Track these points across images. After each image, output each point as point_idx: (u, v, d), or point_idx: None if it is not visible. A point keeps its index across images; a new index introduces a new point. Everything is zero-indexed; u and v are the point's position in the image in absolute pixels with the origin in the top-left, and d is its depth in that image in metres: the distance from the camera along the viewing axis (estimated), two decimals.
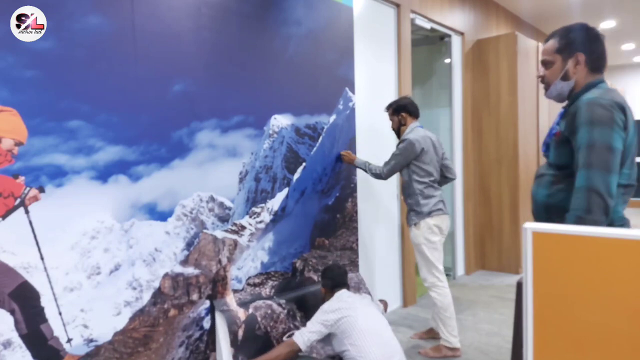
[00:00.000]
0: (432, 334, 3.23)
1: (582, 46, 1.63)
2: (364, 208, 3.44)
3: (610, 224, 1.54)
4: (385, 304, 3.07)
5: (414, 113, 3.06)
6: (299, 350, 2.18)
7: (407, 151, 2.91)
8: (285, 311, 2.54)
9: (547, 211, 1.68)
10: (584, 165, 1.47)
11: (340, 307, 2.23)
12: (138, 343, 2.00)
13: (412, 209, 2.97)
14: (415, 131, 2.97)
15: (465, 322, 3.55)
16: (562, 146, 1.61)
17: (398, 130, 3.10)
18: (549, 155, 1.71)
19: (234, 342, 2.25)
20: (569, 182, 1.57)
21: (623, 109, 1.52)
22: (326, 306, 2.28)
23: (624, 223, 1.60)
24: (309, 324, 2.26)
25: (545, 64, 1.72)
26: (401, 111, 3.05)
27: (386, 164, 2.96)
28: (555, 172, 1.66)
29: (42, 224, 1.72)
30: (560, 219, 1.55)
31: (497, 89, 4.90)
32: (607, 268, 1.23)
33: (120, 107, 1.95)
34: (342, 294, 2.35)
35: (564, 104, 1.77)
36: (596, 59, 1.64)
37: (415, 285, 4.09)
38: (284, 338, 2.42)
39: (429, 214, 2.92)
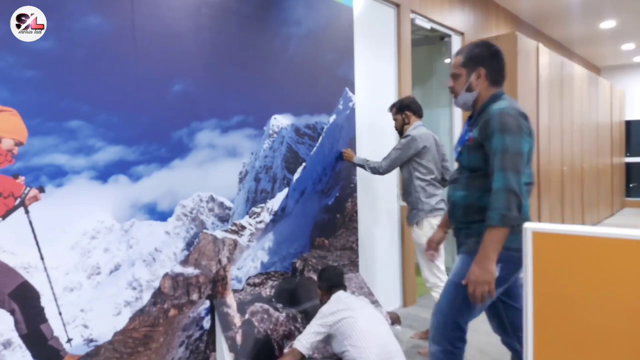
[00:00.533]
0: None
1: (483, 62, 1.83)
2: (364, 208, 3.44)
3: (524, 218, 1.68)
4: (396, 317, 2.98)
5: (417, 112, 3.06)
6: (302, 356, 2.17)
7: (408, 146, 2.91)
8: (284, 314, 2.54)
9: (465, 210, 1.84)
10: (500, 169, 1.64)
11: (339, 309, 2.21)
12: (138, 343, 2.00)
13: (413, 208, 2.95)
14: (418, 129, 2.97)
15: None
16: (475, 151, 1.78)
17: (401, 130, 3.10)
18: (461, 160, 1.87)
19: (233, 346, 2.24)
20: (482, 183, 1.76)
21: (525, 117, 1.74)
22: (325, 309, 2.26)
23: (527, 218, 1.76)
24: (308, 327, 2.25)
25: (453, 76, 1.90)
26: (405, 110, 3.05)
27: (385, 158, 2.96)
28: (469, 174, 1.82)
29: (42, 224, 1.72)
30: (477, 216, 1.74)
31: None
32: (607, 268, 1.23)
33: (120, 107, 1.95)
34: (339, 296, 2.34)
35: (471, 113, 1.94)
36: (496, 73, 1.84)
37: (415, 285, 4.09)
38: (285, 349, 2.40)
39: (431, 212, 2.90)
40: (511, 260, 1.73)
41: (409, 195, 2.98)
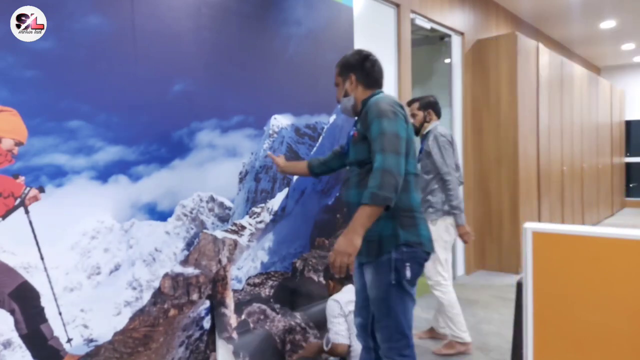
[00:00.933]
0: (432, 334, 3.22)
1: (353, 68, 1.93)
2: None
3: (410, 209, 1.80)
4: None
5: (439, 113, 3.06)
6: (347, 345, 2.31)
7: (448, 144, 2.89)
8: (280, 315, 2.54)
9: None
10: (379, 151, 1.69)
11: (351, 299, 2.28)
12: (138, 343, 2.00)
13: (430, 206, 2.92)
14: (441, 128, 2.97)
15: (465, 321, 3.54)
16: (360, 143, 1.83)
17: (420, 127, 3.05)
18: (350, 156, 1.92)
19: (230, 339, 2.26)
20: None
21: (401, 106, 1.81)
22: (339, 297, 2.37)
23: (420, 211, 1.86)
24: (330, 325, 2.36)
25: (336, 85, 2.01)
26: (429, 108, 3.02)
27: (445, 173, 2.83)
28: (359, 171, 1.85)
29: (42, 224, 1.72)
30: None
31: (497, 89, 4.90)
32: (607, 268, 1.23)
33: (120, 107, 1.95)
34: (350, 287, 2.41)
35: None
36: (366, 77, 1.93)
37: None
38: (287, 346, 2.46)
39: (448, 212, 2.87)
40: (415, 258, 1.79)
41: (429, 194, 2.92)
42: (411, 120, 3.07)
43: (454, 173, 2.89)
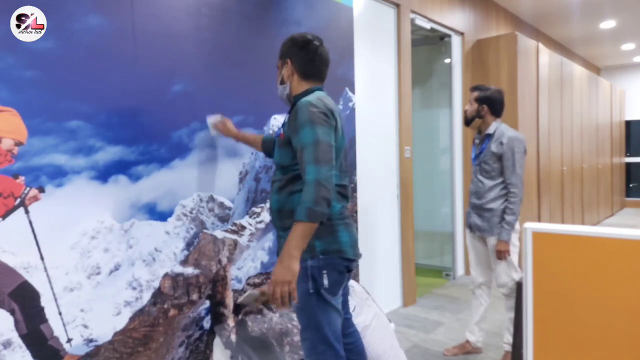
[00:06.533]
0: (466, 349, 3.02)
1: (290, 53, 1.78)
2: (364, 208, 3.44)
3: (328, 218, 1.68)
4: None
5: (496, 111, 2.79)
6: None
7: (523, 150, 2.70)
8: (277, 315, 2.54)
9: (280, 215, 1.77)
10: (312, 161, 1.56)
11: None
12: (138, 343, 2.00)
13: (495, 215, 2.72)
14: (512, 130, 2.75)
15: (465, 322, 3.55)
16: (285, 147, 1.72)
17: (471, 120, 2.82)
18: (274, 158, 1.83)
19: (228, 343, 2.25)
20: (293, 184, 1.71)
21: (333, 113, 1.66)
22: None
23: (341, 218, 1.74)
24: None
25: (277, 68, 1.88)
26: (485, 103, 2.77)
27: (512, 185, 2.65)
28: (282, 177, 1.76)
29: (42, 224, 1.72)
30: (291, 220, 1.59)
31: None
32: (607, 268, 1.24)
33: (120, 107, 1.95)
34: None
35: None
36: (305, 65, 1.76)
37: (415, 285, 4.10)
38: (286, 347, 2.44)
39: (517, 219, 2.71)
40: (333, 266, 1.69)
41: (493, 202, 2.72)
42: (465, 107, 2.89)
43: (522, 187, 2.68)
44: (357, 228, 1.77)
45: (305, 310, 1.70)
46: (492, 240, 2.76)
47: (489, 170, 2.75)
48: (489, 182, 2.75)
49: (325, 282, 1.67)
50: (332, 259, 1.69)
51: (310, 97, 1.67)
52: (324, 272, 1.67)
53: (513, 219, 2.66)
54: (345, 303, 1.92)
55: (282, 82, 1.82)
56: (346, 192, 1.79)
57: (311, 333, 1.70)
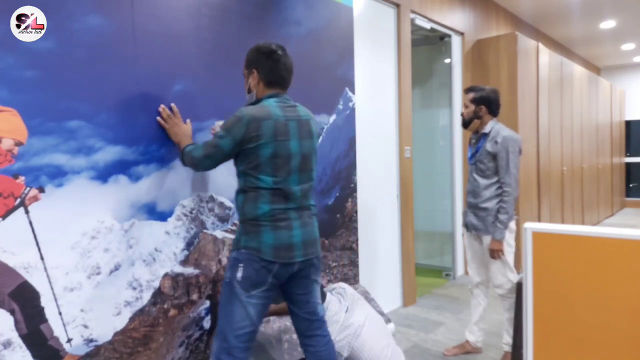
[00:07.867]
0: (466, 349, 3.02)
1: (257, 62, 1.89)
2: (364, 208, 3.44)
3: (255, 218, 1.80)
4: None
5: (494, 111, 2.80)
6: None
7: (517, 149, 2.69)
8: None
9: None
10: (202, 147, 1.88)
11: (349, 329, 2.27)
12: (138, 343, 2.00)
13: (489, 214, 2.73)
14: (507, 129, 2.74)
15: (465, 322, 3.55)
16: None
17: (469, 121, 2.83)
18: None
19: None
20: (242, 184, 1.86)
21: (259, 123, 1.78)
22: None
23: (270, 220, 1.81)
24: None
25: (243, 75, 2.00)
26: (482, 103, 2.77)
27: (507, 184, 2.65)
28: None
29: (42, 224, 1.72)
30: (242, 217, 1.86)
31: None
32: (607, 268, 1.24)
33: (120, 107, 1.95)
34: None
35: None
36: (268, 74, 1.88)
37: (415, 285, 4.10)
38: (285, 345, 2.43)
39: (512, 217, 2.72)
40: (250, 262, 1.78)
41: (488, 202, 2.74)
42: (462, 109, 2.88)
43: (516, 186, 2.68)
44: (308, 231, 1.67)
45: (221, 296, 1.86)
46: (487, 239, 2.77)
47: (484, 169, 2.76)
48: (484, 181, 2.76)
49: (239, 274, 1.78)
50: (250, 255, 1.79)
51: (251, 106, 1.85)
52: (240, 265, 1.79)
53: (506, 218, 2.67)
54: (314, 305, 1.98)
55: (250, 91, 1.95)
56: (289, 195, 1.85)
57: (220, 320, 1.83)
